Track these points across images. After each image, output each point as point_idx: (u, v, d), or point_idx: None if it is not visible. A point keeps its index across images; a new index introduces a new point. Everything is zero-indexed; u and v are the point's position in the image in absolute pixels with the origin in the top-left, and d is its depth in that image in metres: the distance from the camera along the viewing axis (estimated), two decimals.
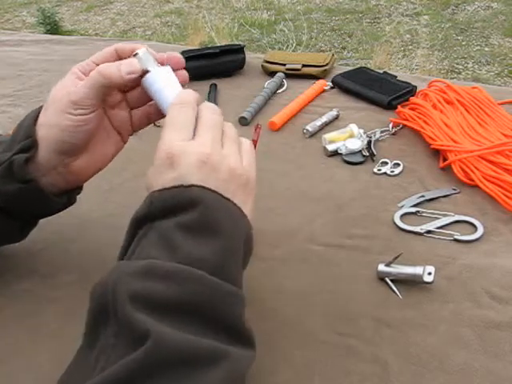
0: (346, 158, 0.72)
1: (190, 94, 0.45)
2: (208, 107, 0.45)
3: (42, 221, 0.58)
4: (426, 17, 3.47)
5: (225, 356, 0.33)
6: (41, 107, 0.49)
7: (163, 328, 0.32)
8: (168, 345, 0.31)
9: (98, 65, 0.48)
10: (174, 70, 0.48)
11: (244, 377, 0.35)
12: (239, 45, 1.00)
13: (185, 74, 0.49)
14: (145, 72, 0.46)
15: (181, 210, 0.38)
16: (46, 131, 0.47)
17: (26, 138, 0.47)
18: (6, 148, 0.48)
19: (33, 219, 0.55)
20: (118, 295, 0.33)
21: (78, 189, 0.54)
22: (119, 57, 0.49)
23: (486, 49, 3.03)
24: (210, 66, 0.96)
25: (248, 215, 0.42)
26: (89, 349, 0.34)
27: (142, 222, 0.40)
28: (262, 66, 0.98)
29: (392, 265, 0.53)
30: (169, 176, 0.40)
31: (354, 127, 0.76)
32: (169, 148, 0.41)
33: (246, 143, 0.46)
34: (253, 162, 0.45)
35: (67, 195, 0.52)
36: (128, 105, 0.51)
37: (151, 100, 0.49)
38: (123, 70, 0.45)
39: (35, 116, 0.48)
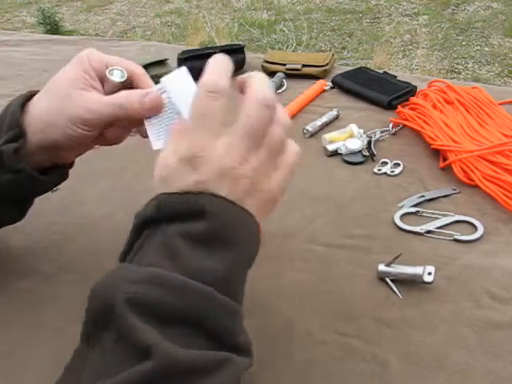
0: (346, 158, 0.72)
1: (220, 80, 0.38)
2: (254, 99, 0.37)
3: (42, 221, 0.58)
4: (425, 17, 3.47)
5: (227, 360, 0.33)
6: (28, 93, 0.49)
7: (166, 345, 0.31)
8: (171, 365, 0.30)
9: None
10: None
11: (240, 381, 0.34)
12: (239, 45, 1.00)
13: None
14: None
15: (188, 218, 0.36)
16: (44, 126, 0.46)
17: (13, 126, 0.47)
18: None
19: (28, 200, 0.54)
20: (117, 301, 0.32)
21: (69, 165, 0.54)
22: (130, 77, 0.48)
23: (486, 49, 3.03)
24: None
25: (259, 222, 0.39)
26: (87, 349, 0.34)
27: (146, 224, 0.37)
28: (262, 66, 0.98)
29: (392, 265, 0.53)
30: (191, 178, 0.36)
31: (354, 127, 0.76)
32: (195, 147, 0.36)
33: (290, 154, 0.39)
34: (284, 180, 0.40)
35: (58, 172, 0.52)
36: None
37: None
38: (147, 104, 0.44)
39: (21, 102, 0.47)
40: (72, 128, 0.46)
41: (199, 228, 0.35)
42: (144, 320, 0.32)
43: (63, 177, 0.53)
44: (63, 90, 0.46)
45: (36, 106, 0.47)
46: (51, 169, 0.51)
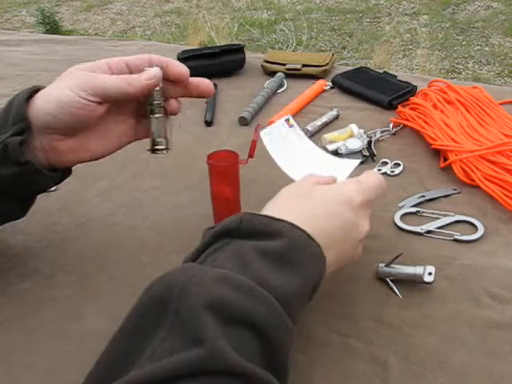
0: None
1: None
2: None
3: (42, 221, 0.58)
4: (426, 16, 3.47)
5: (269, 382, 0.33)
6: (33, 87, 0.49)
7: (221, 343, 0.31)
8: (219, 361, 0.31)
9: (126, 64, 0.50)
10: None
11: None
12: (239, 45, 1.00)
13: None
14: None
15: (265, 237, 0.39)
16: (46, 97, 0.47)
17: (19, 120, 0.47)
18: None
19: (31, 195, 0.54)
20: (189, 296, 0.33)
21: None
22: (151, 64, 0.50)
23: (487, 48, 3.03)
24: (210, 66, 0.96)
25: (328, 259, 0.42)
26: (133, 335, 0.34)
27: (223, 235, 0.40)
28: (261, 65, 0.98)
29: (392, 265, 0.53)
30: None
31: (354, 127, 0.76)
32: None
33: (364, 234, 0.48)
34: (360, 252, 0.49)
35: (61, 170, 0.52)
36: (136, 116, 0.52)
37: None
38: (143, 76, 0.48)
39: (26, 96, 0.48)
40: (73, 95, 0.46)
41: (274, 246, 0.38)
42: (210, 311, 0.32)
43: (67, 173, 0.54)
44: (74, 72, 0.48)
45: (45, 89, 0.48)
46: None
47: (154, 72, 0.48)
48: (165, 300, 0.34)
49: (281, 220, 0.40)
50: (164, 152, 0.50)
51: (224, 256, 0.38)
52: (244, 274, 0.36)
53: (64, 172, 0.53)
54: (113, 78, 0.47)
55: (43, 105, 0.47)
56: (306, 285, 0.39)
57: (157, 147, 0.50)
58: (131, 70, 0.50)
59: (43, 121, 0.47)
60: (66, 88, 0.46)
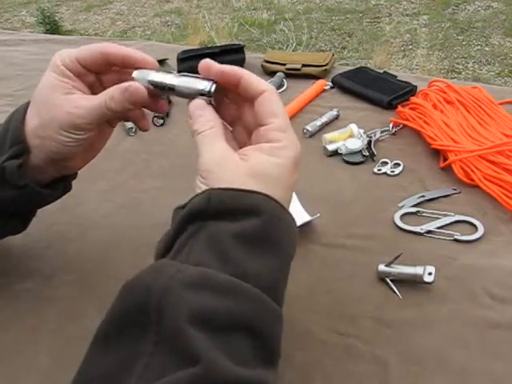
0: (346, 158, 0.72)
1: None
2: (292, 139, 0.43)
3: (42, 222, 0.58)
4: (426, 16, 3.47)
5: (265, 382, 0.32)
6: (24, 105, 0.48)
7: (215, 355, 0.30)
8: (216, 376, 0.30)
9: (82, 65, 0.46)
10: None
11: None
12: (239, 44, 1.00)
13: None
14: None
15: (240, 216, 0.36)
16: (40, 141, 0.46)
17: (16, 142, 0.46)
18: None
19: (31, 212, 0.54)
20: (170, 306, 0.31)
21: (73, 175, 0.53)
22: (107, 61, 0.47)
23: (487, 48, 3.02)
24: None
25: None
26: (117, 346, 0.32)
27: (193, 218, 0.36)
28: (261, 65, 0.98)
29: (392, 265, 0.53)
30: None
31: (354, 127, 0.76)
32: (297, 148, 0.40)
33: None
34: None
35: (62, 184, 0.52)
36: None
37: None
38: (128, 98, 0.44)
39: (22, 117, 0.46)
40: (67, 135, 0.45)
41: (250, 226, 0.35)
42: (195, 325, 0.31)
43: (67, 188, 0.53)
44: (49, 100, 0.46)
45: (29, 124, 0.46)
46: (55, 181, 0.51)
47: (139, 91, 0.44)
48: (144, 308, 0.32)
49: (253, 192, 0.36)
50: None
51: (199, 246, 0.35)
52: (224, 269, 0.34)
53: (65, 187, 0.53)
54: (93, 108, 0.45)
55: (42, 143, 0.46)
56: (286, 263, 0.38)
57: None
58: (90, 69, 0.47)
59: (44, 154, 0.47)
60: (60, 129, 0.45)
